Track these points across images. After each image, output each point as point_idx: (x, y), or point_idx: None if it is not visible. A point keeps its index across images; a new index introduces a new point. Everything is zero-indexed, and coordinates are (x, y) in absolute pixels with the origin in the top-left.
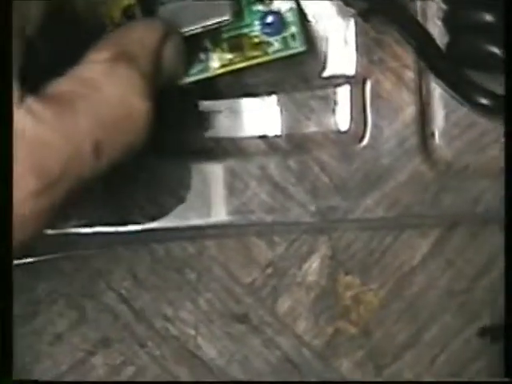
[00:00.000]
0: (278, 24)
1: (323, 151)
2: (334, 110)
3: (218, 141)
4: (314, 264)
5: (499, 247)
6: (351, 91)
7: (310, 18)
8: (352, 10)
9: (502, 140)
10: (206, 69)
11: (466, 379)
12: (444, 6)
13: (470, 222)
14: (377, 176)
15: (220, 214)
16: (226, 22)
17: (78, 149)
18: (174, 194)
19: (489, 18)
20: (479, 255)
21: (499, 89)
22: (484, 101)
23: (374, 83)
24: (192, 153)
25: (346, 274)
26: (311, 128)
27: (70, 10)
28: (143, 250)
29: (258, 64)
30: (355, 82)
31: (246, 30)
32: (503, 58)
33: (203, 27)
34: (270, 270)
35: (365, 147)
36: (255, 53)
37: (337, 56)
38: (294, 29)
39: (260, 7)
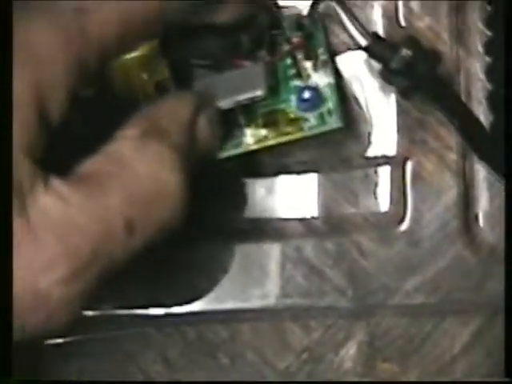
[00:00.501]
0: (315, 99)
1: (362, 234)
2: (373, 192)
3: (254, 221)
4: (350, 350)
5: None
6: (391, 172)
7: (349, 94)
8: (392, 88)
9: None
10: (241, 144)
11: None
12: (489, 85)
13: None
14: (417, 260)
15: (255, 297)
16: (260, 97)
17: (110, 228)
18: (209, 276)
19: None
20: None
21: None
22: None
23: (415, 164)
24: (228, 233)
25: (384, 361)
26: (350, 209)
27: (104, 87)
28: (175, 333)
29: (294, 141)
30: (396, 162)
31: (281, 106)
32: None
33: (237, 102)
34: (305, 356)
35: (405, 230)
36: (290, 129)
37: (377, 135)
38: (330, 105)
39: (297, 82)
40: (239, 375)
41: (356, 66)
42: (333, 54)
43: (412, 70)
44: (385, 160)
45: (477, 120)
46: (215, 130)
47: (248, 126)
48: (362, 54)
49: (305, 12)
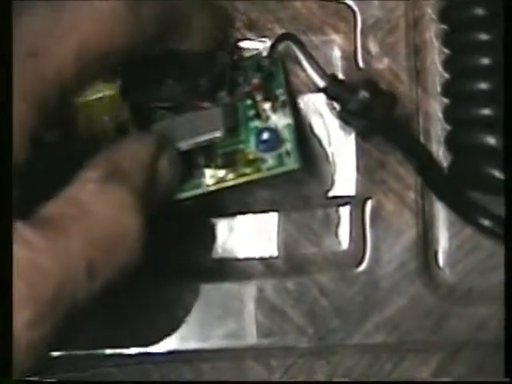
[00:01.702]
0: (274, 141)
1: (322, 273)
2: (334, 231)
3: (215, 261)
4: None
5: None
6: (351, 212)
7: (309, 134)
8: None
9: None
10: (200, 185)
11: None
12: (447, 126)
13: (472, 349)
14: (377, 300)
15: (216, 337)
16: (219, 138)
17: (71, 271)
18: (171, 317)
19: (491, 140)
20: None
21: (501, 211)
22: (486, 223)
23: (375, 204)
24: (190, 273)
25: None
26: (310, 249)
27: (67, 129)
28: (137, 374)
29: (252, 181)
30: (356, 202)
31: (240, 146)
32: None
33: (196, 143)
34: None
35: (364, 270)
36: (248, 169)
37: (338, 175)
38: (289, 146)
39: (257, 123)
40: None
41: (317, 106)
42: (293, 94)
43: (369, 111)
44: (345, 200)
45: (434, 161)
46: (175, 171)
47: (207, 166)
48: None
49: (264, 53)
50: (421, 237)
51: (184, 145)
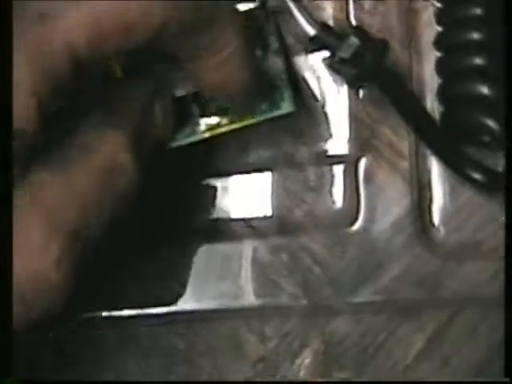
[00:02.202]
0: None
1: (316, 233)
2: (328, 190)
3: (207, 222)
4: (306, 359)
5: (499, 343)
6: (345, 171)
7: (302, 87)
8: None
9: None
10: (194, 133)
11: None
12: (438, 79)
13: (467, 312)
14: (372, 263)
15: (211, 298)
16: None
17: (84, 209)
18: (165, 278)
19: (483, 89)
20: (477, 352)
21: (497, 165)
22: (480, 177)
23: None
24: (185, 235)
25: (340, 370)
26: (304, 208)
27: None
28: (130, 338)
29: (247, 126)
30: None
31: None
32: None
33: (190, 90)
34: (261, 366)
35: (359, 229)
36: (242, 114)
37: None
38: (282, 89)
39: None
40: None
41: (310, 63)
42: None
43: (359, 58)
44: (339, 159)
45: (427, 112)
46: (169, 116)
47: (201, 113)
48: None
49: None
50: (415, 196)
51: (179, 91)
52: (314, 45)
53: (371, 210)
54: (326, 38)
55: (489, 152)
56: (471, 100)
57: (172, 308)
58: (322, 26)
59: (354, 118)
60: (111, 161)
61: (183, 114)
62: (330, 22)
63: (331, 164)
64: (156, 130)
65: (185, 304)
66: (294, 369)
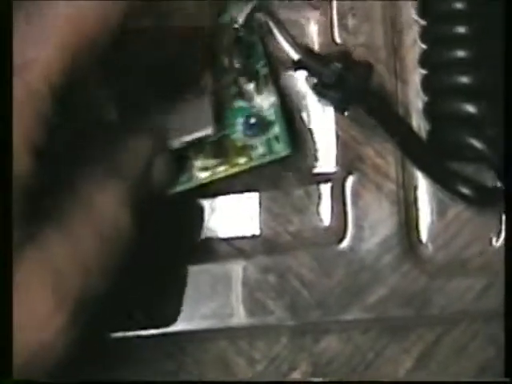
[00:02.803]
0: (261, 125)
1: (304, 251)
2: (316, 209)
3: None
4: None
5: (486, 360)
6: (332, 189)
7: (290, 111)
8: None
9: (491, 242)
10: (191, 178)
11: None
12: (424, 97)
13: (453, 334)
14: (360, 281)
15: (202, 318)
16: (209, 135)
17: (86, 270)
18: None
19: (470, 108)
20: (466, 370)
21: (484, 181)
22: (468, 192)
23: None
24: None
25: None
26: (292, 227)
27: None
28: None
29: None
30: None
31: (227, 132)
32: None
33: (186, 142)
34: None
35: (346, 247)
36: (239, 159)
37: (318, 153)
38: (277, 129)
39: (241, 103)
40: None
41: (296, 83)
42: (273, 69)
43: (343, 83)
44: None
45: (413, 131)
46: (170, 169)
47: (197, 158)
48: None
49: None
50: (403, 214)
51: (176, 143)
52: (297, 68)
53: (359, 225)
54: (310, 62)
55: (476, 168)
56: (457, 118)
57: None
58: (306, 51)
59: (341, 138)
60: (112, 218)
61: (179, 160)
62: (314, 43)
63: (319, 182)
64: (156, 183)
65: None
66: None
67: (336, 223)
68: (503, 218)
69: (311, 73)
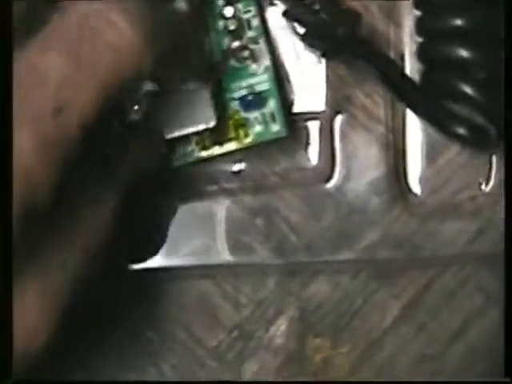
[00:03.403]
0: (258, 102)
1: (291, 190)
2: (304, 147)
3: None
4: (281, 326)
5: (475, 309)
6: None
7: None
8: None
9: (480, 186)
10: (191, 154)
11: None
12: (419, 39)
13: (443, 280)
14: (348, 223)
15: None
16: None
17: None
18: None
19: (463, 53)
20: (453, 318)
21: (475, 120)
22: (461, 131)
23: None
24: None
25: (316, 336)
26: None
27: None
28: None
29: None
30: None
31: (226, 106)
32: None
33: (188, 133)
34: (235, 334)
35: (333, 186)
36: (237, 138)
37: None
38: (272, 105)
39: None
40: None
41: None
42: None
43: (331, 32)
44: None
45: (405, 74)
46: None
47: (196, 134)
48: None
49: None
50: (391, 153)
51: (178, 133)
52: (286, 19)
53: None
54: (297, 12)
55: (468, 111)
56: (449, 62)
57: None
58: (293, 1)
59: (330, 78)
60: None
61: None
62: None
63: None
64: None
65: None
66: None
67: (324, 163)
68: (493, 163)
69: (298, 22)
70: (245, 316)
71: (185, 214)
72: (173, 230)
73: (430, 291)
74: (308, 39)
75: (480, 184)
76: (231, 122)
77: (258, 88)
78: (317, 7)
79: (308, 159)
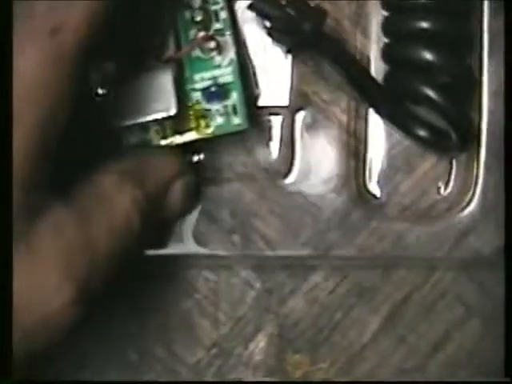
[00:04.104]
0: (220, 93)
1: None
2: (265, 142)
3: None
4: (260, 343)
5: (454, 320)
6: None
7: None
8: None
9: (439, 191)
10: (150, 141)
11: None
12: (385, 39)
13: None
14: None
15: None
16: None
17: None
18: None
19: (427, 55)
20: (433, 330)
21: (437, 123)
22: (422, 133)
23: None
24: None
25: (295, 352)
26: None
27: None
28: None
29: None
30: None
31: (188, 96)
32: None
33: (150, 119)
34: (214, 351)
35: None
36: (199, 127)
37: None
38: (235, 96)
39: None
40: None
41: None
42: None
43: (297, 28)
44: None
45: (369, 74)
46: (188, 198)
47: (157, 121)
48: None
49: None
50: (351, 152)
51: (137, 120)
52: (252, 12)
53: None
54: (263, 6)
55: (430, 113)
56: (413, 64)
57: None
58: None
59: (294, 74)
60: (123, 217)
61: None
62: None
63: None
64: (173, 205)
65: None
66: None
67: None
68: (453, 167)
69: (264, 17)
70: (223, 333)
71: None
72: None
73: (407, 305)
74: (274, 34)
75: (439, 188)
76: (192, 112)
77: (222, 80)
78: (283, 2)
79: (269, 153)
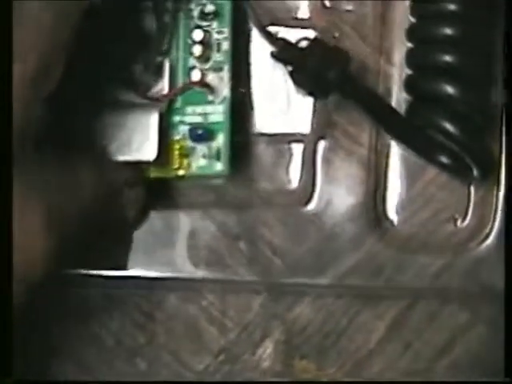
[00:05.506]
0: (206, 136)
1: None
2: (285, 168)
3: None
4: (267, 349)
5: (459, 326)
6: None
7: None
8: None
9: (458, 215)
10: None
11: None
12: (408, 71)
13: (427, 299)
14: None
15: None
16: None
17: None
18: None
19: (448, 89)
20: (438, 335)
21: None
22: (444, 160)
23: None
24: None
25: (302, 358)
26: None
27: None
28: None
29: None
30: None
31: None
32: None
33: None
34: (222, 357)
35: (312, 209)
36: (179, 168)
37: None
38: (221, 140)
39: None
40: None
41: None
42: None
43: (320, 76)
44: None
45: (394, 110)
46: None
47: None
48: None
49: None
50: (371, 184)
51: (115, 157)
52: (275, 61)
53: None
54: (287, 55)
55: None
56: (434, 97)
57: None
58: (283, 43)
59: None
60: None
61: None
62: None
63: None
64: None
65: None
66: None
67: (304, 186)
68: (471, 200)
69: (288, 64)
70: (231, 339)
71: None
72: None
73: (414, 310)
74: (296, 78)
75: (456, 220)
76: (178, 147)
77: (212, 118)
78: (305, 50)
79: (289, 181)
